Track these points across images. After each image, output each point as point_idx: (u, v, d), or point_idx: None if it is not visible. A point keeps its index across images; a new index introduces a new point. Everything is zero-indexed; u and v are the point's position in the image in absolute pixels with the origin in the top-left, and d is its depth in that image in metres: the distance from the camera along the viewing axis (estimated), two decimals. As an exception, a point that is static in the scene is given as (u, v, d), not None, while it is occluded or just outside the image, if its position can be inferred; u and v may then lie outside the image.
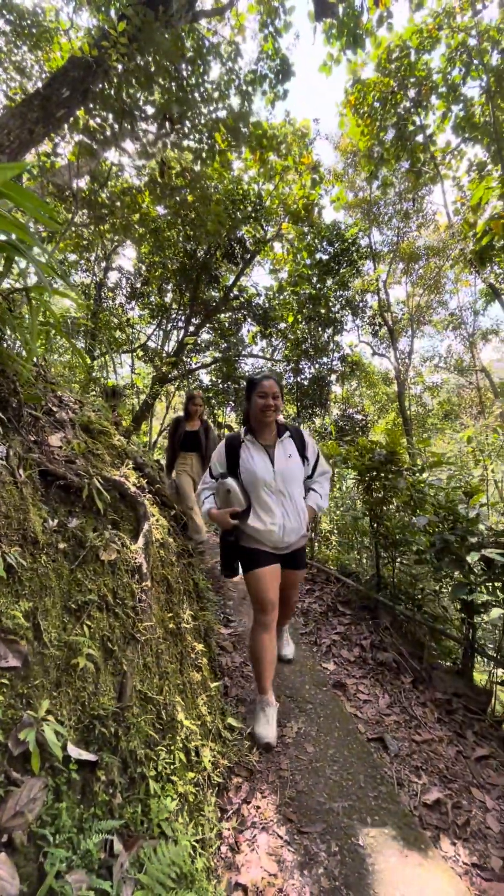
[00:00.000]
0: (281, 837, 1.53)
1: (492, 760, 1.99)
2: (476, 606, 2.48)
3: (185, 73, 4.85)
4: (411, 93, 7.79)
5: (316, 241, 9.82)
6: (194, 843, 1.26)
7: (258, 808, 1.64)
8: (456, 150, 8.82)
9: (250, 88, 6.53)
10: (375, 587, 3.50)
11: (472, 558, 2.37)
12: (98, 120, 4.28)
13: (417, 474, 3.20)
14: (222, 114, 5.75)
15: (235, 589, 3.71)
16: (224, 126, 5.30)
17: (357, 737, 2.05)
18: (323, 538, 5.70)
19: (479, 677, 3.28)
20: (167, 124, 4.62)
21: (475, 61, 7.25)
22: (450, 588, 2.83)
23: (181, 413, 4.59)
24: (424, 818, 1.64)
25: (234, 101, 6.72)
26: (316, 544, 4.94)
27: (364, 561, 4.48)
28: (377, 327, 11.57)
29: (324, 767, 1.86)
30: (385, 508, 3.42)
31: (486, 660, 3.18)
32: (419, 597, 3.17)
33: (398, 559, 3.45)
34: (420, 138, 8.08)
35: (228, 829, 1.53)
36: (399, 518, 3.34)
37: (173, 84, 4.65)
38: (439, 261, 11.44)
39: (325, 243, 9.84)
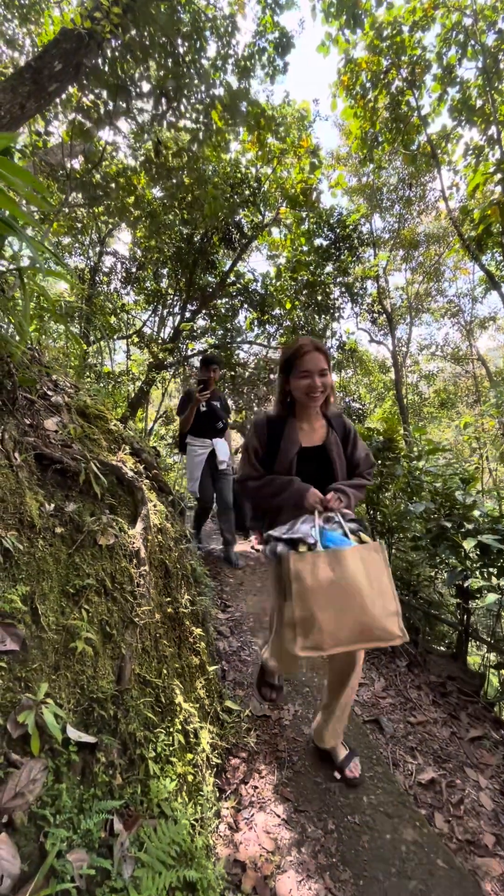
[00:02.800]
0: (278, 816, 1.55)
1: (485, 741, 2.02)
2: (471, 592, 2.50)
3: (181, 49, 4.70)
4: (403, 72, 7.58)
5: (315, 226, 9.67)
6: (193, 822, 1.27)
7: (256, 788, 1.67)
8: (452, 133, 8.65)
9: (248, 63, 6.36)
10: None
11: (468, 544, 2.38)
12: (91, 97, 4.16)
13: (415, 461, 3.20)
14: (219, 91, 5.60)
15: (233, 575, 3.73)
16: (221, 104, 5.16)
17: (353, 719, 2.08)
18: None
19: (473, 661, 3.33)
20: (163, 101, 4.49)
21: (472, 41, 7.06)
22: (445, 574, 2.85)
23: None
24: (419, 797, 1.68)
25: (232, 78, 6.53)
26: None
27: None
28: (376, 315, 11.49)
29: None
30: (382, 495, 3.43)
31: (479, 644, 3.23)
32: (415, 583, 3.20)
33: (394, 546, 3.47)
34: (414, 120, 7.90)
35: (227, 809, 1.55)
36: (396, 505, 3.34)
37: (169, 59, 4.51)
38: (439, 248, 11.32)
39: (325, 229, 9.70)
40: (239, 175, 8.98)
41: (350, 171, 11.78)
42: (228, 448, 3.85)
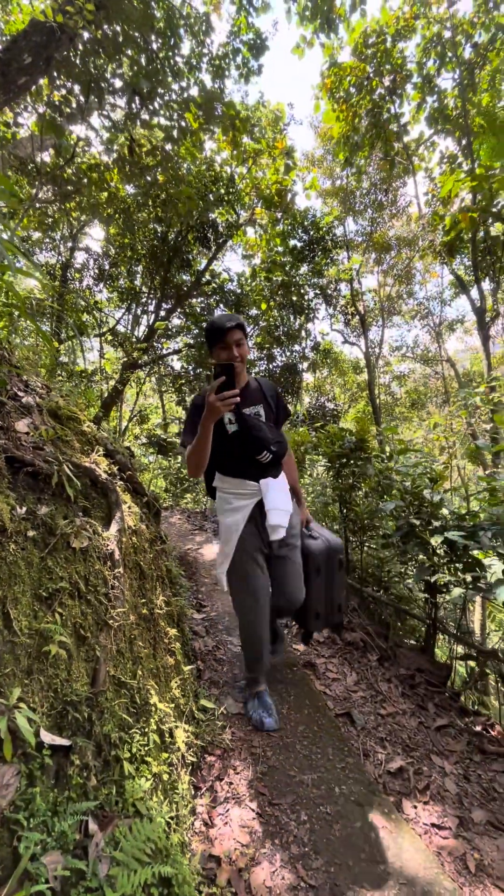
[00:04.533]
0: (253, 810, 1.59)
1: (450, 729, 2.11)
2: (438, 587, 2.60)
3: (154, 46, 4.67)
4: (386, 80, 7.77)
5: (290, 227, 9.76)
6: (169, 820, 1.29)
7: (231, 784, 1.70)
8: (429, 141, 8.92)
9: (223, 63, 6.37)
10: (345, 571, 3.61)
11: (435, 541, 2.48)
12: (63, 91, 4.07)
13: (386, 461, 3.30)
14: (194, 91, 5.59)
15: (208, 575, 3.74)
16: (195, 105, 5.15)
17: (326, 713, 2.14)
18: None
19: (441, 653, 3.46)
20: (136, 99, 4.44)
21: (449, 54, 7.30)
22: (414, 570, 2.95)
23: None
24: (388, 785, 1.74)
25: (206, 78, 6.52)
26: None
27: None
28: (349, 316, 11.69)
29: (294, 743, 1.93)
30: (354, 494, 3.51)
31: (447, 636, 3.35)
32: (386, 579, 3.29)
33: (366, 543, 3.56)
34: (394, 127, 8.10)
35: (202, 805, 1.57)
36: (367, 503, 3.43)
37: (142, 56, 4.47)
38: (410, 252, 11.62)
39: (299, 230, 9.81)
40: (213, 174, 8.96)
41: (324, 174, 11.95)
42: (289, 495, 2.03)
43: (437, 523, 2.66)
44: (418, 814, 1.62)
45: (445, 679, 2.68)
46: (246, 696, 2.15)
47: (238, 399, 1.49)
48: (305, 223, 9.61)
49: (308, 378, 12.60)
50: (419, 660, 2.74)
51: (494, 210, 6.63)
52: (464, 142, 8.04)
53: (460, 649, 2.97)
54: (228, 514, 1.96)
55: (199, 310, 10.45)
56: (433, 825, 1.58)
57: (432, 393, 13.62)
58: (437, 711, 2.26)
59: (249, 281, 10.31)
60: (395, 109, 7.97)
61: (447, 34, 7.15)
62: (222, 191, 8.97)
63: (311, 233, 9.54)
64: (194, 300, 10.32)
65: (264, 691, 2.11)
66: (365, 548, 3.56)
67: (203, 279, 9.86)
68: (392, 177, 10.65)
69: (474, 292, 7.61)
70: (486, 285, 8.13)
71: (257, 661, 2.05)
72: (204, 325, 10.26)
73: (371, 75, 7.70)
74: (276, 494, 1.90)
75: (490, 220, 6.81)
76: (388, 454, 3.27)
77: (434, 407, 13.12)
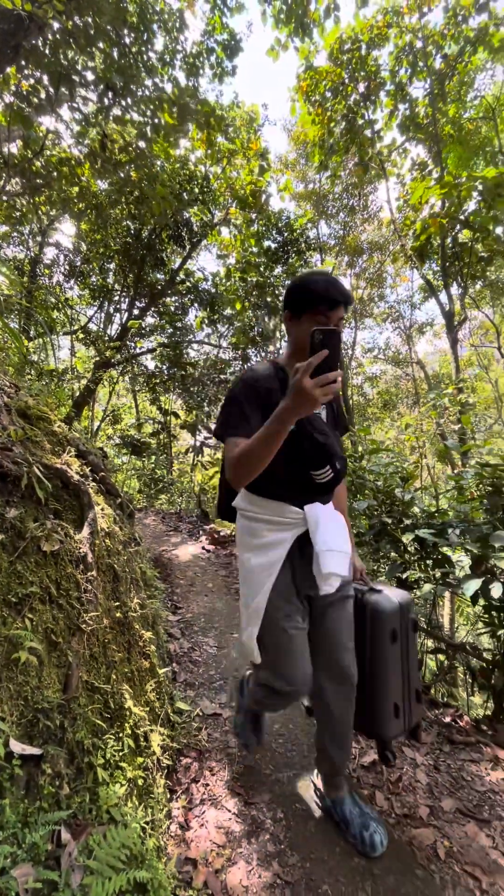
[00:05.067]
0: (229, 811, 1.59)
1: (421, 722, 2.17)
2: (410, 583, 2.67)
3: (127, 40, 4.60)
4: (361, 87, 7.92)
5: (264, 228, 9.81)
6: (144, 825, 1.27)
7: (207, 785, 1.69)
8: (401, 147, 9.14)
9: (196, 62, 6.35)
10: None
11: (406, 538, 2.54)
12: (31, 80, 3.96)
13: (358, 461, 3.36)
14: (168, 87, 5.54)
15: (183, 576, 3.72)
16: (169, 102, 5.11)
17: (302, 712, 2.16)
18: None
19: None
20: (109, 94, 4.37)
21: (420, 63, 7.51)
22: (386, 568, 3.02)
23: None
24: (362, 778, 1.78)
25: (180, 75, 6.49)
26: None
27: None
28: (322, 318, 11.82)
29: (270, 742, 1.94)
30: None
31: (418, 632, 3.45)
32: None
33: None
34: (368, 133, 8.27)
35: (178, 809, 1.56)
36: (341, 503, 3.48)
37: (115, 50, 4.39)
38: (381, 256, 11.87)
39: (273, 232, 9.87)
40: (188, 173, 8.91)
41: (297, 178, 12.06)
42: (346, 531, 1.41)
43: (408, 521, 2.73)
44: (391, 805, 1.66)
45: (416, 673, 2.75)
46: (240, 716, 1.76)
47: (340, 385, 0.95)
48: (280, 224, 9.68)
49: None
50: (391, 655, 2.79)
51: (462, 217, 6.87)
52: (434, 150, 8.31)
53: (431, 643, 3.06)
54: (257, 551, 1.35)
55: (173, 309, 10.37)
56: (405, 815, 1.62)
57: (403, 394, 13.96)
58: (408, 705, 2.31)
59: (224, 281, 10.31)
60: (369, 116, 8.13)
61: (419, 44, 7.35)
62: (197, 190, 8.94)
63: (286, 234, 9.62)
64: (168, 299, 10.24)
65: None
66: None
67: (177, 278, 9.79)
68: (365, 182, 10.87)
69: (443, 296, 7.85)
70: (455, 290, 8.41)
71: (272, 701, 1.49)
72: (178, 324, 10.19)
73: (346, 81, 7.83)
74: (331, 529, 1.29)
75: (458, 227, 7.06)
76: (359, 454, 3.33)
77: (405, 408, 13.45)
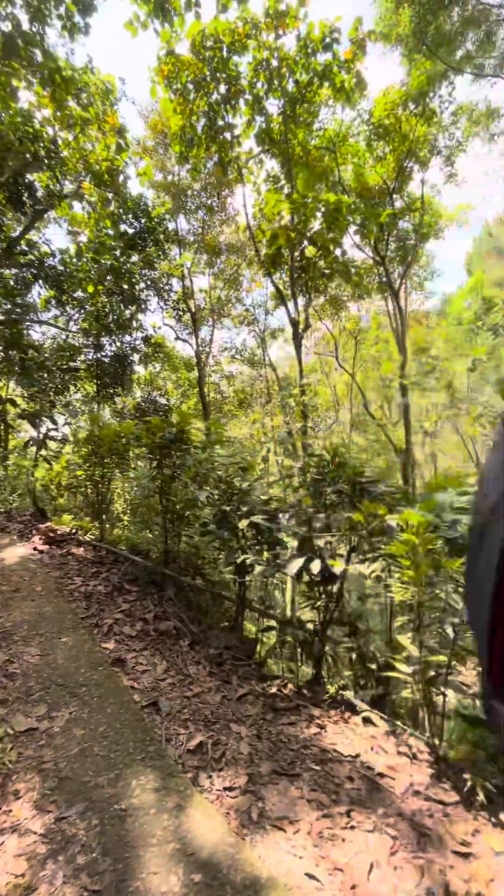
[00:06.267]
0: (35, 833, 1.42)
1: (249, 696, 2.29)
2: (245, 567, 2.80)
3: None
4: (222, 88, 8.04)
5: (121, 210, 9.31)
6: None
7: (10, 812, 1.49)
8: (257, 158, 9.61)
9: (43, 6, 5.69)
10: (164, 562, 3.59)
11: (241, 524, 2.65)
12: None
13: (203, 452, 3.40)
14: (5, 27, 4.80)
15: (6, 581, 3.27)
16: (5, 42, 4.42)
17: (131, 707, 2.07)
18: (116, 518, 5.56)
19: (253, 628, 3.74)
20: None
21: (275, 81, 7.97)
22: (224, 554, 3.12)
23: None
24: (186, 763, 1.78)
25: (22, 16, 5.67)
26: (107, 526, 4.76)
27: (157, 538, 4.56)
28: (181, 312, 11.79)
29: (92, 746, 1.81)
30: (173, 485, 3.53)
31: (255, 613, 3.65)
32: (201, 564, 3.40)
33: (184, 533, 3.62)
34: (228, 135, 8.46)
35: (-34, 848, 1.34)
36: (185, 493, 3.49)
37: None
38: (238, 258, 12.34)
39: (130, 216, 9.43)
40: (31, 131, 7.94)
41: (156, 167, 11.76)
42: None
43: (245, 509, 2.86)
44: (213, 783, 1.69)
45: (252, 652, 2.91)
46: None
47: None
48: (138, 210, 9.29)
49: (141, 371, 12.28)
50: (228, 638, 2.90)
51: (308, 235, 7.56)
52: (286, 167, 8.96)
53: (265, 622, 3.27)
54: None
55: (11, 282, 9.10)
56: (225, 788, 1.67)
57: (258, 394, 14.77)
58: (239, 682, 2.42)
59: (74, 260, 9.46)
60: (229, 119, 8.33)
61: (275, 63, 7.79)
62: (42, 153, 7.99)
63: (143, 221, 9.29)
64: (6, 271, 8.94)
65: None
66: (183, 537, 3.61)
67: (17, 248, 8.62)
68: (224, 184, 11.15)
69: (291, 305, 8.51)
70: (301, 301, 9.19)
71: None
72: (18, 300, 8.97)
73: (208, 78, 7.88)
74: None
75: (305, 242, 7.73)
76: (203, 444, 3.38)
77: (259, 406, 14.25)
